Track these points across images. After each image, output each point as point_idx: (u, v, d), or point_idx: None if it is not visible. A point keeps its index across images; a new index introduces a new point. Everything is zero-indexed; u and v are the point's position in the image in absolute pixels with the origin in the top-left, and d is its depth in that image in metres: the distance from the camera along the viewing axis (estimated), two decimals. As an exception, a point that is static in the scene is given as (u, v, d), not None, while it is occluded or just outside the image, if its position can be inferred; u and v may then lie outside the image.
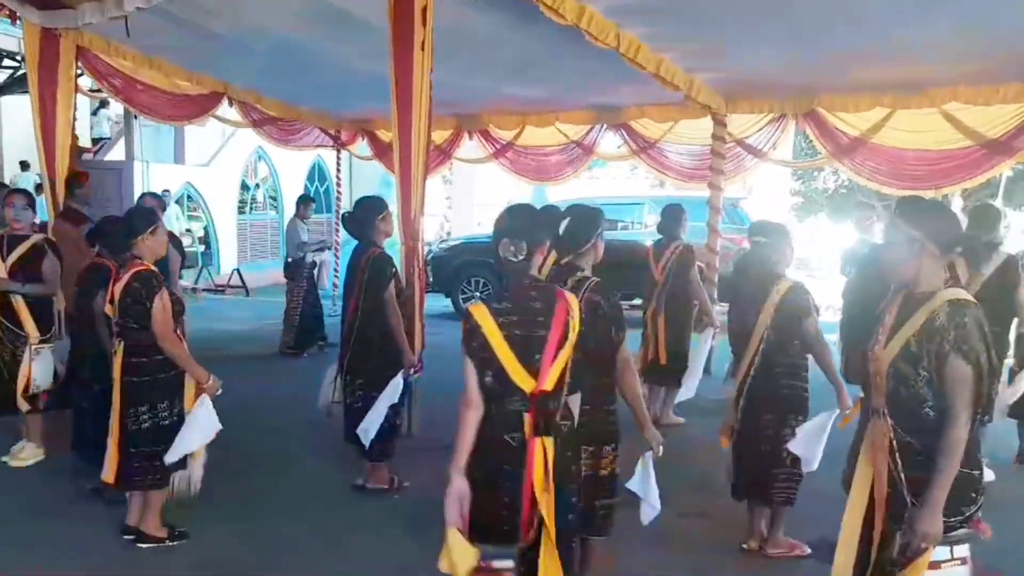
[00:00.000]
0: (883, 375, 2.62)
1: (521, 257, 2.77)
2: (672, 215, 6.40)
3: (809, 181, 18.60)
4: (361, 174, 17.71)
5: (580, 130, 9.04)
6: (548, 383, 2.72)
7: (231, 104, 8.84)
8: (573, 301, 2.82)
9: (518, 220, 2.88)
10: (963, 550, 2.62)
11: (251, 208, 18.57)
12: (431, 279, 11.22)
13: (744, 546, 4.24)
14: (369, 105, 9.00)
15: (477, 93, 7.87)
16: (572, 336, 2.76)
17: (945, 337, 2.49)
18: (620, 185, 22.19)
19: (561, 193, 16.35)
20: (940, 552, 2.57)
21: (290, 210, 18.74)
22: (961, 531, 2.59)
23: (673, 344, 6.28)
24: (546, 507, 2.67)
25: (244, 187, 18.23)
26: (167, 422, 3.98)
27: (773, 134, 7.69)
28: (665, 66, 5.99)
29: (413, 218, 4.65)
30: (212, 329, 10.26)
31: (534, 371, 2.71)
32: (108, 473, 3.98)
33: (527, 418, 2.71)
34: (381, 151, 10.80)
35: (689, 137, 8.30)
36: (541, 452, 2.71)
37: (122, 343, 3.90)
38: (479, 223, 21.29)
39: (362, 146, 11.52)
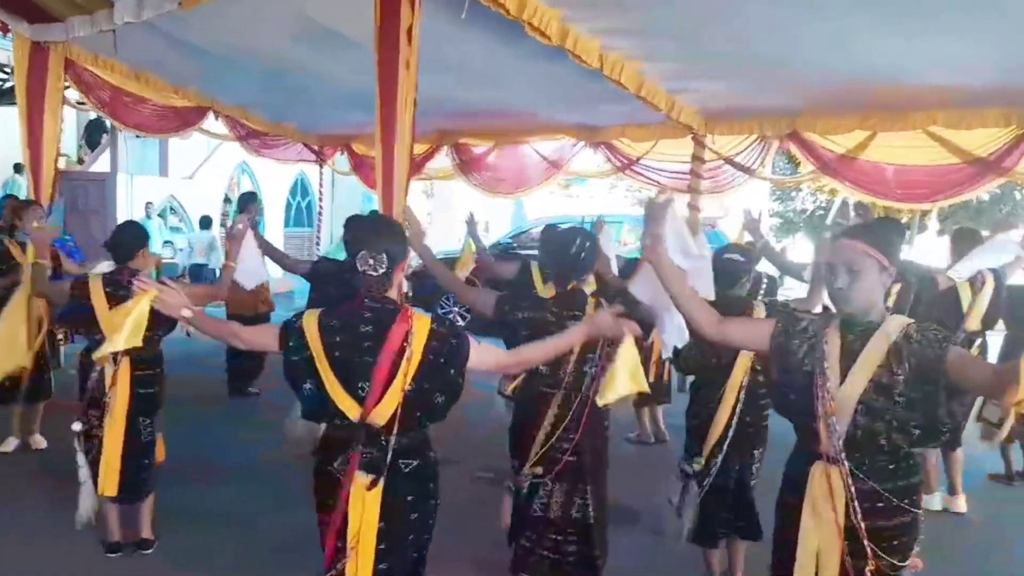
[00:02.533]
0: (845, 414, 2.41)
1: (381, 271, 2.55)
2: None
3: (787, 202, 18.83)
4: (344, 189, 17.77)
5: (556, 147, 9.11)
6: (378, 416, 2.47)
7: (216, 118, 8.90)
8: (420, 328, 2.53)
9: (379, 232, 2.66)
10: None
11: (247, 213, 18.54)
12: (411, 293, 11.26)
13: None
14: (350, 120, 9.06)
15: (458, 108, 7.94)
16: (408, 368, 2.48)
17: (931, 347, 2.35)
18: (599, 203, 22.34)
19: (540, 210, 16.47)
20: None
21: (273, 224, 18.90)
22: (904, 573, 2.50)
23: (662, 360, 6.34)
24: (360, 553, 2.46)
25: (227, 200, 18.21)
26: (155, 435, 4.17)
27: (758, 155, 7.79)
28: (647, 87, 6.10)
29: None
30: (192, 341, 10.23)
31: (359, 399, 2.48)
32: (110, 486, 3.98)
33: (352, 449, 2.50)
34: (359, 165, 10.83)
35: (672, 154, 8.39)
36: (361, 490, 2.47)
37: (126, 355, 3.90)
38: (459, 238, 21.33)
39: (340, 160, 11.55)
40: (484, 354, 2.71)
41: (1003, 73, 5.54)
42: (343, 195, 17.82)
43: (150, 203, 15.53)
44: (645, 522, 4.25)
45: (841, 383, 2.42)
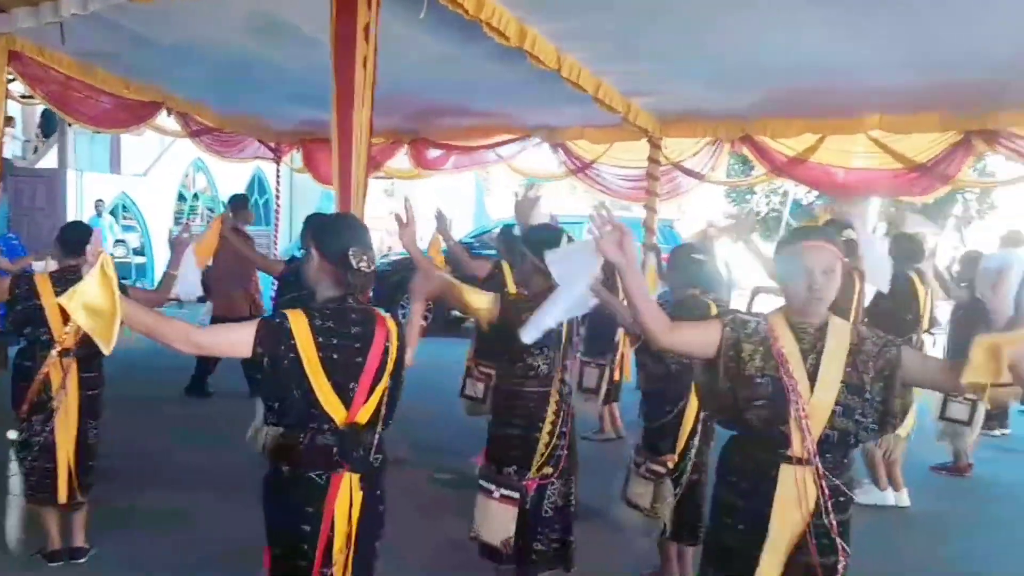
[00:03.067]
0: (820, 418, 2.41)
1: (373, 268, 2.55)
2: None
3: (742, 204, 19.10)
4: (303, 187, 17.59)
5: (515, 147, 9.12)
6: (362, 415, 2.50)
7: (169, 114, 8.73)
8: (393, 327, 2.60)
9: (362, 230, 2.66)
10: None
11: (188, 219, 18.28)
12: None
13: None
14: (307, 117, 8.97)
15: (418, 107, 7.93)
16: (390, 365, 2.55)
17: (884, 350, 2.44)
18: (561, 203, 22.41)
19: (502, 211, 16.46)
20: None
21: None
22: None
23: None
24: (344, 552, 2.48)
25: (182, 198, 17.95)
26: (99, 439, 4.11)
27: (709, 158, 7.87)
28: (604, 89, 6.13)
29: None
30: (146, 344, 10.05)
31: (347, 401, 2.47)
32: (64, 493, 3.92)
33: (335, 452, 2.47)
34: (312, 162, 10.70)
35: (626, 159, 8.44)
36: (347, 489, 2.48)
37: (74, 357, 3.86)
38: (420, 238, 21.23)
39: (297, 157, 11.41)
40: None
41: (939, 78, 5.66)
42: (301, 193, 17.63)
43: (100, 201, 15.25)
44: (604, 518, 4.26)
45: (812, 387, 2.42)
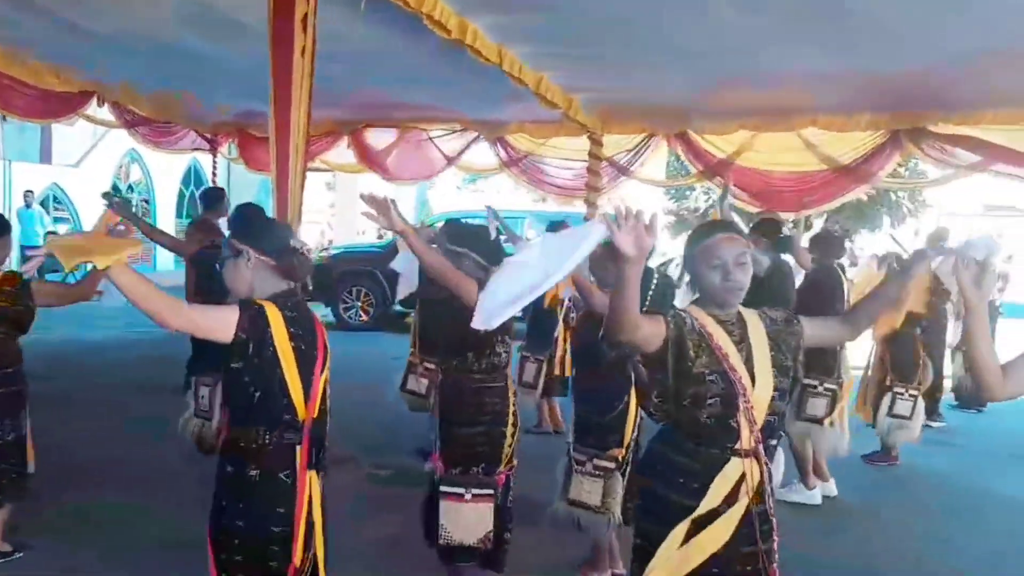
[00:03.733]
0: (763, 406, 2.47)
1: (312, 258, 2.58)
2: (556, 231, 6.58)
3: (681, 201, 19.35)
4: (241, 179, 17.32)
5: (457, 142, 9.06)
6: (314, 409, 2.48)
7: (101, 104, 8.51)
8: (319, 322, 2.60)
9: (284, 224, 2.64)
10: None
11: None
12: (311, 288, 11.07)
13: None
14: (244, 107, 8.83)
15: (357, 99, 7.86)
16: (328, 361, 2.55)
17: (788, 328, 2.58)
18: (503, 198, 22.46)
19: (444, 205, 16.44)
20: None
21: (164, 213, 18.29)
22: None
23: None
24: (320, 548, 2.51)
25: (116, 189, 17.52)
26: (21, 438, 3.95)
27: (641, 154, 7.96)
28: (545, 84, 6.15)
29: (290, 225, 4.61)
30: (79, 337, 9.84)
31: (307, 394, 2.45)
32: None
33: (299, 450, 2.45)
34: (248, 153, 10.52)
35: (564, 154, 8.49)
36: (309, 489, 2.47)
37: None
38: (362, 231, 21.10)
39: (233, 148, 11.20)
40: None
41: (870, 80, 5.81)
42: (239, 184, 17.36)
43: (30, 191, 14.80)
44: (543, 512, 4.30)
45: (752, 377, 2.46)
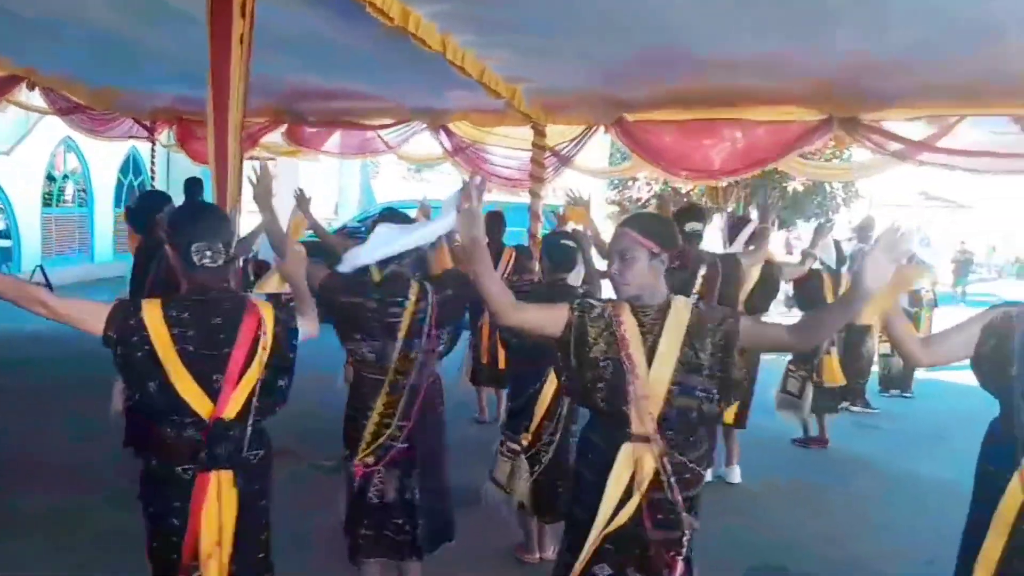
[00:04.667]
0: (658, 397, 2.51)
1: (221, 261, 2.47)
2: (494, 221, 6.62)
3: (624, 191, 19.52)
4: (180, 167, 16.98)
5: (400, 131, 9.00)
6: (230, 409, 2.42)
7: (32, 89, 8.29)
8: (268, 315, 2.52)
9: (211, 222, 2.55)
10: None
11: (58, 201, 17.40)
12: (253, 278, 10.92)
13: (528, 558, 4.41)
14: (182, 94, 8.67)
15: (296, 87, 7.77)
16: (263, 355, 2.47)
17: (722, 325, 2.56)
18: (449, 189, 22.40)
19: (389, 195, 16.35)
20: None
21: (102, 203, 17.85)
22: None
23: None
24: (218, 555, 2.39)
25: (50, 179, 17.06)
26: None
27: (580, 143, 8.01)
28: (488, 74, 6.17)
29: (229, 213, 4.57)
30: (12, 329, 9.59)
31: (212, 394, 2.40)
32: None
33: (202, 447, 2.40)
34: (187, 141, 10.28)
35: (509, 143, 8.50)
36: (215, 487, 2.40)
37: None
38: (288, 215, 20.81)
39: (171, 135, 10.97)
40: (305, 325, 2.72)
41: (809, 73, 5.91)
42: (179, 173, 17.01)
43: (-43, 179, 14.35)
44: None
45: (649, 367, 2.52)
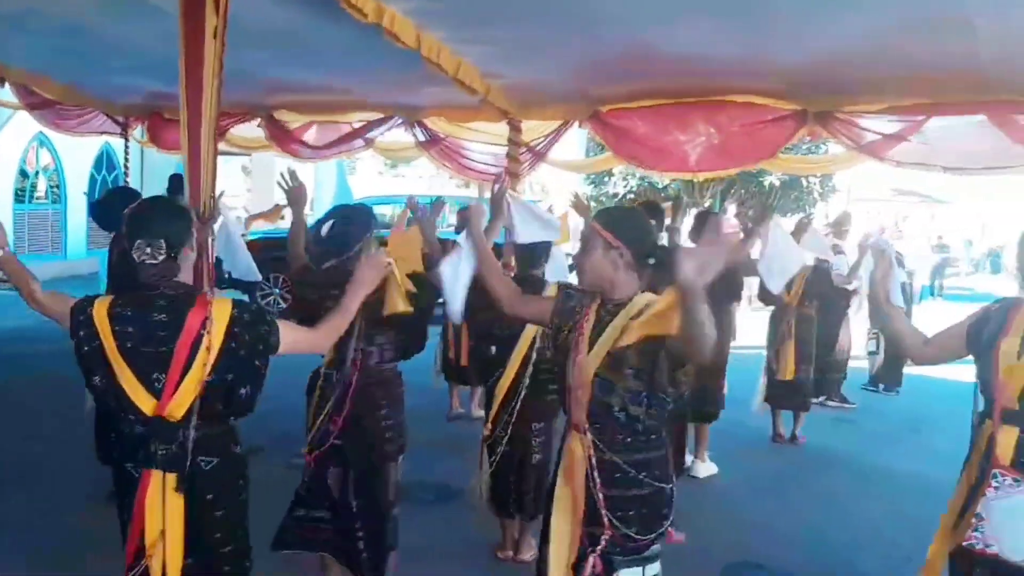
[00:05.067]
0: (586, 386, 2.54)
1: (161, 258, 2.41)
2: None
3: (600, 186, 19.56)
4: (155, 163, 16.81)
5: (376, 130, 8.93)
6: (175, 410, 2.36)
7: (2, 85, 8.17)
8: (220, 314, 2.41)
9: (153, 217, 2.50)
10: (655, 567, 2.59)
11: (30, 197, 17.18)
12: (228, 275, 10.83)
13: (500, 555, 4.39)
14: (155, 90, 8.57)
15: (272, 83, 7.72)
16: (208, 356, 2.36)
17: (645, 313, 2.54)
18: (426, 184, 22.34)
19: (365, 190, 16.28)
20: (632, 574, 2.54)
21: (75, 200, 17.65)
22: (655, 548, 2.59)
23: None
24: (160, 555, 2.35)
25: (23, 174, 16.84)
26: None
27: (554, 137, 7.98)
28: (464, 69, 6.14)
29: (204, 209, 4.52)
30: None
31: (155, 392, 2.36)
32: None
33: (144, 446, 2.37)
34: (158, 136, 10.16)
35: (486, 138, 8.49)
36: (158, 489, 2.35)
37: None
38: (282, 217, 20.71)
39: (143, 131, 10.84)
40: (299, 336, 2.66)
41: (784, 66, 5.91)
42: (154, 169, 16.83)
43: (-73, 175, 14.13)
44: (463, 497, 4.38)
45: (588, 355, 2.57)
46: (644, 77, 6.52)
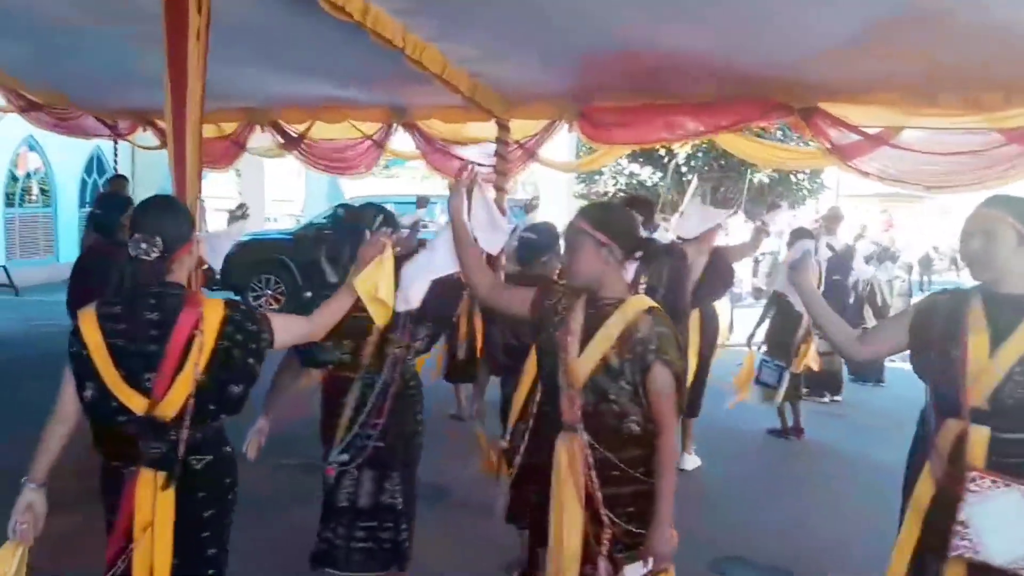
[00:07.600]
0: (578, 387, 2.51)
1: (155, 255, 2.38)
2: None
3: (591, 185, 19.58)
4: (147, 166, 16.78)
5: (374, 127, 8.99)
6: (166, 409, 2.35)
7: (-10, 88, 8.17)
8: (212, 314, 2.41)
9: (152, 214, 2.49)
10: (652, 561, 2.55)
11: (21, 201, 17.12)
12: (219, 276, 10.85)
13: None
14: (150, 94, 8.56)
15: (265, 87, 7.72)
16: (200, 356, 2.35)
17: (647, 347, 2.47)
18: (418, 184, 22.31)
19: (356, 191, 16.27)
20: (635, 570, 2.52)
21: (66, 203, 17.60)
22: None
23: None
24: (151, 556, 2.34)
25: (13, 178, 16.79)
26: None
27: (547, 136, 8.01)
28: (449, 70, 6.14)
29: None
30: None
31: (144, 391, 2.35)
32: None
33: (134, 443, 2.37)
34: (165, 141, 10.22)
35: (474, 140, 8.51)
36: (148, 487, 2.35)
37: None
38: (273, 219, 20.75)
39: (143, 137, 10.82)
40: (291, 326, 2.69)
41: (765, 61, 5.92)
42: (146, 172, 16.79)
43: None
44: (468, 501, 4.33)
45: (580, 357, 2.54)
46: (628, 76, 6.53)
